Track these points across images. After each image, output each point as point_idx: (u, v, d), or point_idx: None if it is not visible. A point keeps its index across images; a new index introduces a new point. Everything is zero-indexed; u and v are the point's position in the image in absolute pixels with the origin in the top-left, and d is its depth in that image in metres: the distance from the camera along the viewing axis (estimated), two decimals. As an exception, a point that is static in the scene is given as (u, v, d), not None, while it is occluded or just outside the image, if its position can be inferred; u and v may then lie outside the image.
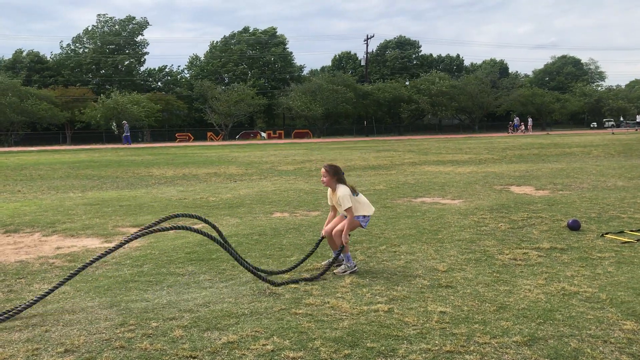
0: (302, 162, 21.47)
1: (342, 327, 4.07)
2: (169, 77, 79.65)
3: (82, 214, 9.18)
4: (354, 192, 5.62)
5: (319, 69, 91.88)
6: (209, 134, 65.86)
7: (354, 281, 5.21)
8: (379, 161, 20.98)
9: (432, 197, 10.71)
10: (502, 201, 9.76)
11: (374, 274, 5.47)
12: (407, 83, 75.27)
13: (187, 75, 79.94)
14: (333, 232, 5.62)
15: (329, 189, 5.74)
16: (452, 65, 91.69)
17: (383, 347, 3.71)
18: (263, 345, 3.76)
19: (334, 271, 5.52)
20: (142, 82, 75.58)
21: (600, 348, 3.69)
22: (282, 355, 3.60)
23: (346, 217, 5.56)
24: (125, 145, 45.97)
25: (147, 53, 76.95)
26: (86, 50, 73.58)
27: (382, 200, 10.31)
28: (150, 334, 4.00)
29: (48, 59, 73.79)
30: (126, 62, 74.53)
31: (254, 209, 9.48)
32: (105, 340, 3.90)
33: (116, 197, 11.31)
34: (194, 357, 3.60)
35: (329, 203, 5.84)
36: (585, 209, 8.76)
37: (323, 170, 5.64)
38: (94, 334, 4.02)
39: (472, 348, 3.69)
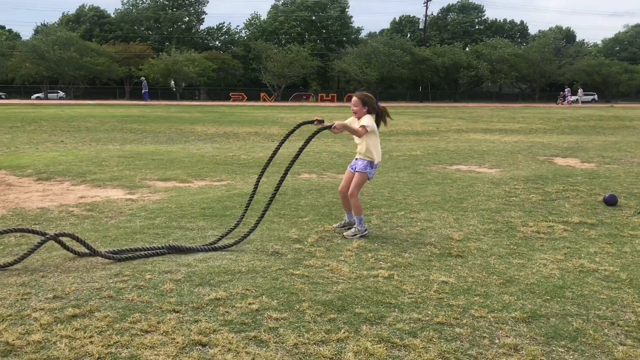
0: (347, 125, 21.18)
1: (335, 291, 3.94)
2: (227, 36, 79.80)
3: (114, 166, 9.32)
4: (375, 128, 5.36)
5: (377, 32, 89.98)
6: (262, 94, 65.99)
7: (361, 245, 5.06)
8: (424, 127, 20.49)
9: (468, 165, 10.34)
10: (540, 172, 9.32)
11: (384, 239, 5.30)
12: (467, 49, 72.51)
13: (245, 35, 79.85)
14: (352, 193, 5.43)
15: (353, 118, 5.40)
16: (516, 32, 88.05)
17: (371, 314, 3.56)
18: (249, 303, 3.68)
19: (344, 234, 5.37)
20: (200, 40, 76.05)
21: (606, 330, 3.43)
22: (265, 315, 3.51)
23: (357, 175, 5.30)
24: (145, 102, 45.57)
25: (205, 13, 77.15)
26: (145, 5, 74.37)
27: (415, 165, 10.03)
28: (142, 285, 3.98)
29: (110, 14, 75.07)
30: (185, 19, 74.97)
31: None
32: (97, 289, 3.91)
33: (152, 151, 11.44)
34: (177, 311, 3.55)
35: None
36: (629, 184, 8.26)
37: (355, 99, 5.30)
38: (87, 282, 4.04)
39: (465, 321, 3.50)
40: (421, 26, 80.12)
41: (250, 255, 4.71)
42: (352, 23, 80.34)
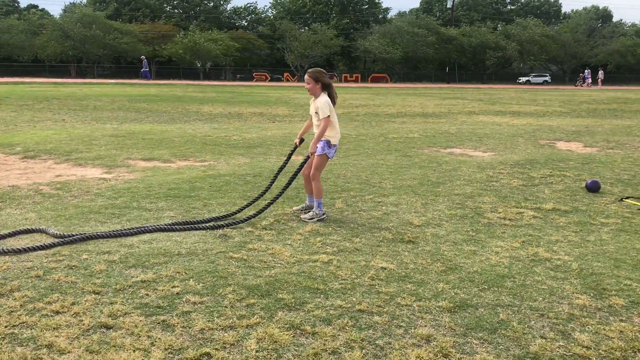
0: (356, 106, 20.99)
1: (266, 275, 3.87)
2: (253, 16, 79.47)
3: (102, 145, 9.36)
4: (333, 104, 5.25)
5: (407, 11, 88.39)
6: (285, 74, 65.75)
7: (314, 229, 4.97)
8: (436, 109, 20.16)
9: (463, 148, 10.13)
10: (534, 156, 9.07)
11: (341, 223, 5.20)
12: (500, 28, 70.39)
13: (271, 14, 79.42)
14: (313, 175, 5.33)
15: (312, 99, 5.32)
16: (551, 12, 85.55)
17: (293, 300, 3.49)
18: (173, 287, 3.63)
19: (301, 216, 5.28)
20: (226, 20, 75.91)
21: (532, 322, 3.30)
22: (184, 299, 3.46)
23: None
24: (145, 81, 45.02)
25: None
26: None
27: (407, 148, 9.85)
28: (74, 265, 3.97)
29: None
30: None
31: (271, 151, 9.31)
32: (27, 268, 3.91)
33: (147, 130, 11.47)
34: (97, 293, 3.52)
35: (310, 113, 5.41)
36: (621, 170, 7.98)
37: (306, 77, 5.22)
38: (22, 261, 4.04)
39: (387, 309, 3.41)
40: (449, 5, 78.49)
41: (196, 237, 4.67)
42: (380, 1, 79.22)
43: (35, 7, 77.56)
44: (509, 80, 69.05)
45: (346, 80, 64.58)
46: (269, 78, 63.70)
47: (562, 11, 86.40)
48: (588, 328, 3.25)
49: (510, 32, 66.55)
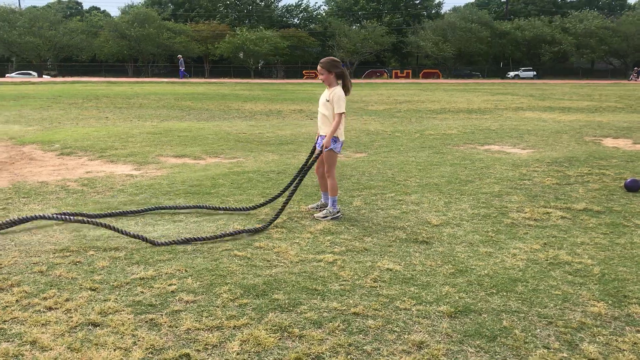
0: (400, 102, 20.68)
1: (266, 275, 3.79)
2: (305, 13, 79.65)
3: (137, 142, 9.51)
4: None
5: (462, 5, 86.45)
6: (335, 71, 65.52)
7: (326, 227, 4.86)
8: (483, 105, 19.63)
9: (502, 145, 9.78)
10: (575, 153, 8.66)
11: (355, 221, 5.06)
12: (557, 22, 67.84)
13: (323, 11, 79.36)
14: (326, 172, 5.22)
15: (326, 88, 5.15)
16: (615, 4, 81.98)
17: (287, 301, 3.39)
18: (169, 284, 3.60)
19: (315, 215, 5.17)
20: (278, 18, 76.38)
21: (538, 330, 3.10)
22: (177, 297, 3.42)
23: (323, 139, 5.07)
24: (183, 80, 44.75)
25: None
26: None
27: (441, 145, 9.59)
28: (79, 261, 4.00)
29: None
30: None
31: (301, 147, 9.24)
32: (33, 263, 3.95)
33: (184, 128, 11.60)
34: (93, 289, 3.53)
35: (320, 102, 5.19)
36: (668, 169, 7.51)
37: (319, 67, 5.08)
38: (30, 256, 4.09)
39: (383, 313, 3.27)
40: (503, -1, 76.44)
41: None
42: (432, -4, 77.90)
43: (97, 9, 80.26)
44: (566, 75, 66.65)
45: (397, 77, 63.95)
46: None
47: (628, 2, 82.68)
48: (599, 338, 3.02)
49: (566, 26, 64.24)
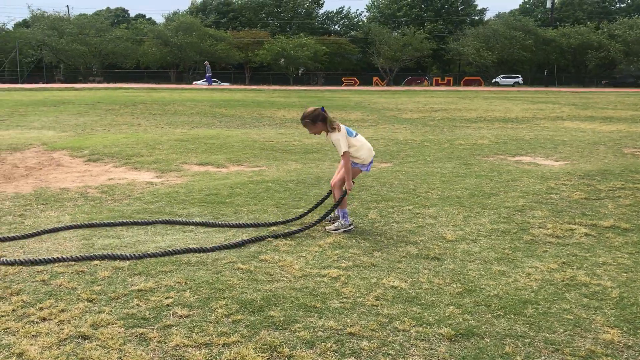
0: (436, 110, 20.39)
1: (266, 290, 3.70)
2: (346, 20, 79.72)
3: (164, 149, 9.59)
4: (351, 132, 5.06)
5: (507, 12, 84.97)
6: (374, 78, 65.42)
7: (336, 241, 4.75)
8: (521, 113, 19.17)
9: (534, 156, 9.48)
10: (610, 166, 8.31)
11: (367, 235, 4.94)
12: (605, 29, 65.77)
13: (365, 18, 79.26)
14: (336, 184, 5.14)
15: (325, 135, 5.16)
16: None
17: (283, 318, 3.30)
18: (166, 297, 3.55)
19: (326, 227, 5.07)
20: (319, 25, 76.65)
21: (542, 358, 2.92)
22: (172, 311, 3.37)
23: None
24: (209, 86, 44.85)
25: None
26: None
27: (470, 156, 9.35)
28: (82, 271, 3.99)
29: (233, 1, 77.56)
30: (305, 5, 75.72)
31: (326, 157, 9.15)
32: (37, 272, 3.97)
33: (213, 135, 11.66)
34: (90, 301, 3.50)
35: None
36: None
37: (303, 125, 5.12)
38: (35, 265, 4.11)
39: (380, 334, 3.14)
40: (548, 5, 74.78)
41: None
42: (474, 2, 76.95)
43: (143, 16, 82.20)
44: (617, 83, 64.52)
45: (437, 84, 63.35)
46: (358, 82, 63.61)
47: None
48: (608, 369, 2.83)
49: (615, 32, 62.42)
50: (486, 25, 66.86)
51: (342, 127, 5.02)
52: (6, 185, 6.90)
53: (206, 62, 47.69)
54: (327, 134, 5.05)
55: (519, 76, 65.91)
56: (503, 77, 64.02)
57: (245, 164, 8.48)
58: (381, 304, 3.53)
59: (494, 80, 63.40)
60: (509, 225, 5.28)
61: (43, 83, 51.60)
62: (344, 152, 4.94)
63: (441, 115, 18.14)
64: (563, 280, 3.96)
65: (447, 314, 3.40)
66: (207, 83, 47.55)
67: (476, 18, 74.86)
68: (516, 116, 18.08)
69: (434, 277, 3.97)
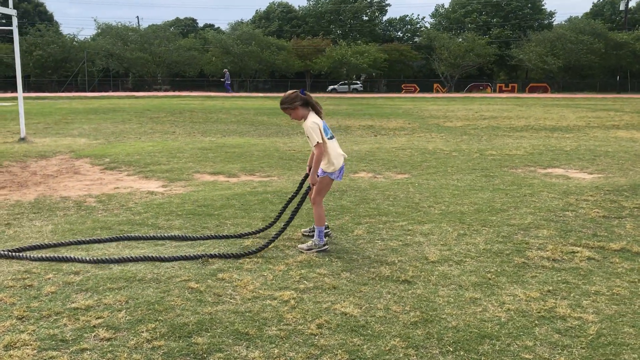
0: (484, 118, 19.64)
1: (206, 312, 3.48)
2: (409, 26, 78.84)
3: (183, 158, 9.56)
4: (327, 131, 4.72)
5: (578, 15, 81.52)
6: (435, 85, 64.28)
7: (306, 260, 4.46)
8: (574, 122, 18.19)
9: (567, 168, 8.85)
10: (647, 181, 7.62)
11: (344, 253, 4.63)
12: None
13: (428, 24, 78.05)
14: (315, 199, 4.84)
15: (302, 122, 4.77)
16: None
17: (206, 346, 3.06)
18: (97, 317, 3.38)
19: (298, 246, 4.78)
20: (381, 32, 76.13)
21: (476, 406, 2.55)
22: (94, 333, 3.19)
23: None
24: (228, 94, 44.46)
25: (389, 5, 76.75)
26: (327, 1, 76.24)
27: (496, 167, 8.83)
28: (30, 285, 3.90)
29: (296, 9, 78.20)
30: (368, 11, 75.40)
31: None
32: (-13, 285, 3.90)
33: (237, 143, 11.58)
34: (20, 318, 3.38)
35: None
36: None
37: (282, 109, 4.75)
38: (-10, 277, 4.05)
39: (302, 368, 2.85)
40: (621, 7, 71.30)
41: (176, 263, 4.39)
42: (543, 6, 74.37)
43: (211, 26, 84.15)
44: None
45: (501, 90, 61.56)
46: (418, 89, 62.66)
47: None
48: (550, 423, 2.43)
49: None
50: (552, 30, 64.44)
51: (321, 121, 4.69)
52: (15, 192, 7.00)
53: (225, 70, 48.66)
54: (303, 118, 4.70)
55: (359, 82, 63.37)
56: (341, 84, 61.75)
57: (257, 173, 8.31)
58: (321, 333, 3.23)
59: (330, 88, 60.90)
60: (505, 246, 4.84)
61: (111, 91, 53.57)
62: (317, 143, 4.58)
63: (487, 123, 17.44)
64: (539, 312, 3.53)
65: (388, 348, 3.06)
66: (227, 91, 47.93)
67: (545, 22, 72.24)
68: (568, 124, 17.15)
69: (393, 304, 3.63)
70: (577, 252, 4.68)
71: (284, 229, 4.85)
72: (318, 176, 4.71)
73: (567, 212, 5.94)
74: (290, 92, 4.72)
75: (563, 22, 72.26)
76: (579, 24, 64.55)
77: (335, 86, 62.99)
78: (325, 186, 4.80)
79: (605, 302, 3.70)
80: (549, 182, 7.59)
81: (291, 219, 4.89)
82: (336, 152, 4.73)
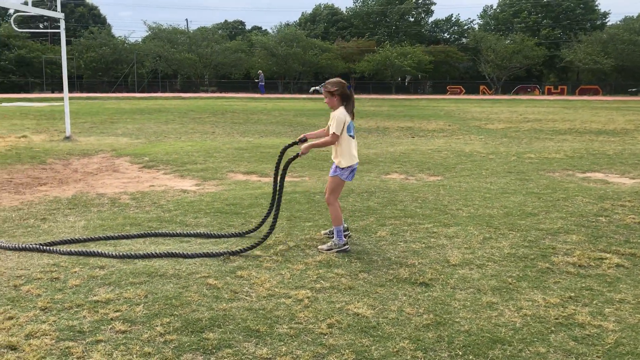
0: (528, 120, 19.21)
1: (221, 309, 3.54)
2: (456, 27, 77.82)
3: (218, 157, 9.72)
4: (350, 129, 4.73)
5: (634, 15, 78.54)
6: (481, 87, 63.25)
7: (325, 260, 4.48)
8: (622, 125, 17.60)
9: (607, 173, 8.59)
10: (691, 187, 7.33)
11: (365, 254, 4.63)
12: None
13: (476, 25, 76.79)
14: (328, 199, 4.86)
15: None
16: None
17: (217, 342, 3.12)
18: (115, 311, 3.49)
19: (318, 247, 4.79)
20: (428, 33, 75.39)
21: (478, 411, 2.52)
22: (111, 326, 3.29)
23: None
24: (260, 95, 44.69)
25: (434, 3, 75.93)
26: (373, 2, 76.01)
27: (533, 171, 8.64)
28: (56, 278, 4.04)
29: (342, 11, 78.24)
30: (414, 13, 74.75)
31: (376, 168, 8.83)
32: (17, 276, 4.06)
33: (273, 144, 11.68)
34: (43, 309, 3.51)
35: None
36: None
37: (323, 91, 4.76)
38: (19, 269, 4.21)
39: (307, 367, 2.87)
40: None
41: (198, 260, 4.47)
42: (597, 6, 72.16)
43: (259, 28, 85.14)
44: None
45: (550, 93, 60.10)
46: (464, 91, 61.77)
47: None
48: None
49: None
50: (603, 30, 62.52)
51: (349, 118, 4.72)
52: (55, 189, 7.26)
53: (260, 72, 49.22)
54: (333, 108, 4.73)
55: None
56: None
57: (289, 173, 8.34)
58: (331, 333, 3.24)
59: (313, 89, 58.56)
60: (530, 250, 4.74)
61: (160, 92, 54.80)
62: (333, 133, 4.64)
63: (530, 126, 17.06)
64: (557, 318, 3.45)
65: (396, 349, 3.05)
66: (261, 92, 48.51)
67: (598, 23, 70.05)
68: (614, 128, 16.61)
69: (407, 306, 3.61)
70: (606, 258, 4.54)
71: (275, 217, 4.84)
72: (329, 175, 4.78)
73: (600, 218, 5.77)
74: (338, 79, 4.79)
75: (618, 22, 69.92)
76: (634, 24, 62.43)
77: (317, 88, 62.30)
78: (337, 186, 4.83)
79: (630, 311, 3.58)
80: (586, 187, 7.38)
81: (279, 201, 4.94)
82: (350, 152, 4.75)
